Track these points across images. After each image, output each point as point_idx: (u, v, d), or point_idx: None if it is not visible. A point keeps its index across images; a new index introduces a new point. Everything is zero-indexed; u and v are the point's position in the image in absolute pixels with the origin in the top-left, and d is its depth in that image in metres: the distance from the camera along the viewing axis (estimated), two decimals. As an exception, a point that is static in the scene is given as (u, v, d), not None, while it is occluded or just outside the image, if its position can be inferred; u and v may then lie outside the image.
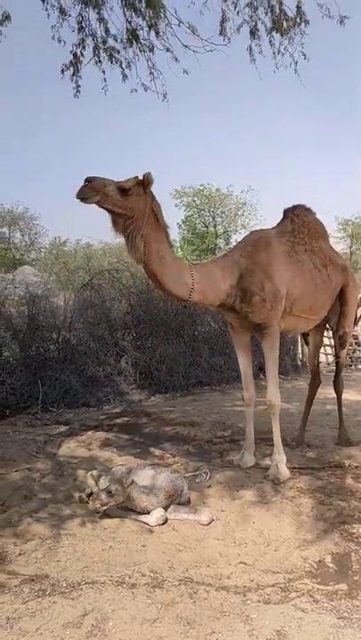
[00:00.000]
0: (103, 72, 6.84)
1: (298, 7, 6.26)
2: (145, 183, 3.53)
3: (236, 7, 6.39)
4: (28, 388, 7.12)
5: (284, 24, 6.30)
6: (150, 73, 6.86)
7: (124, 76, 6.88)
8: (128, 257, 3.90)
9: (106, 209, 3.51)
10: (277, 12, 6.28)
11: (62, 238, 31.78)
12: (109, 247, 26.18)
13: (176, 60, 6.60)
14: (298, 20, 6.29)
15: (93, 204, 3.43)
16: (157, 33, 6.57)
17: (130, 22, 6.61)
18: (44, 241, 32.79)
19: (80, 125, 57.09)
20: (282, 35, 6.38)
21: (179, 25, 6.39)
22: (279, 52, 6.50)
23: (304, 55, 6.49)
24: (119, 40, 6.72)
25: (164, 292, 4.01)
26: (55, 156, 55.12)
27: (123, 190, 3.45)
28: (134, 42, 6.67)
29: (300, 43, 6.43)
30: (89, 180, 3.38)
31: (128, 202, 3.48)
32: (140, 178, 3.53)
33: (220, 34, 6.53)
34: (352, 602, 2.60)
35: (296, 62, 6.51)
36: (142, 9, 6.46)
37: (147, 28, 6.60)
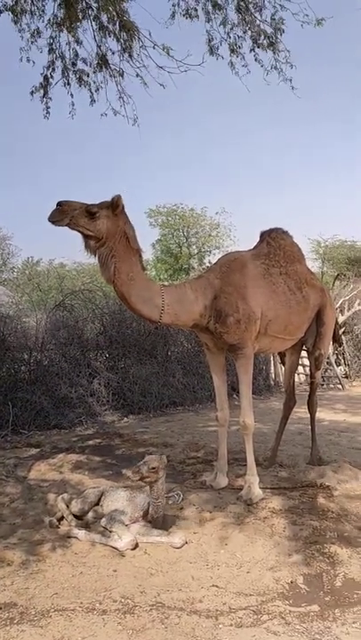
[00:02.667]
0: (72, 95, 6.91)
1: (273, 18, 6.30)
2: (114, 206, 3.61)
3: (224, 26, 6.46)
4: (-3, 409, 6.99)
5: (265, 40, 6.38)
6: (120, 97, 6.96)
7: (93, 100, 6.94)
8: (101, 277, 3.95)
9: (77, 231, 3.62)
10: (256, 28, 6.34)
11: (35, 258, 31.53)
12: (83, 267, 26.06)
13: (145, 84, 6.70)
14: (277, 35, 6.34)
15: (65, 227, 3.56)
16: (131, 55, 6.65)
17: (100, 47, 6.71)
18: (17, 261, 32.42)
19: (55, 145, 57.13)
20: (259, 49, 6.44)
21: (153, 47, 6.50)
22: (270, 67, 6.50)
23: (292, 65, 6.50)
24: (89, 64, 6.81)
25: (134, 313, 4.09)
26: (29, 174, 54.82)
27: (90, 213, 3.56)
28: (104, 67, 6.76)
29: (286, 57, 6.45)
30: (60, 204, 3.53)
31: (96, 224, 3.59)
32: (110, 200, 3.62)
33: (211, 54, 6.60)
34: (324, 623, 2.60)
35: (291, 79, 6.52)
36: (116, 32, 6.56)
37: (118, 53, 6.69)
